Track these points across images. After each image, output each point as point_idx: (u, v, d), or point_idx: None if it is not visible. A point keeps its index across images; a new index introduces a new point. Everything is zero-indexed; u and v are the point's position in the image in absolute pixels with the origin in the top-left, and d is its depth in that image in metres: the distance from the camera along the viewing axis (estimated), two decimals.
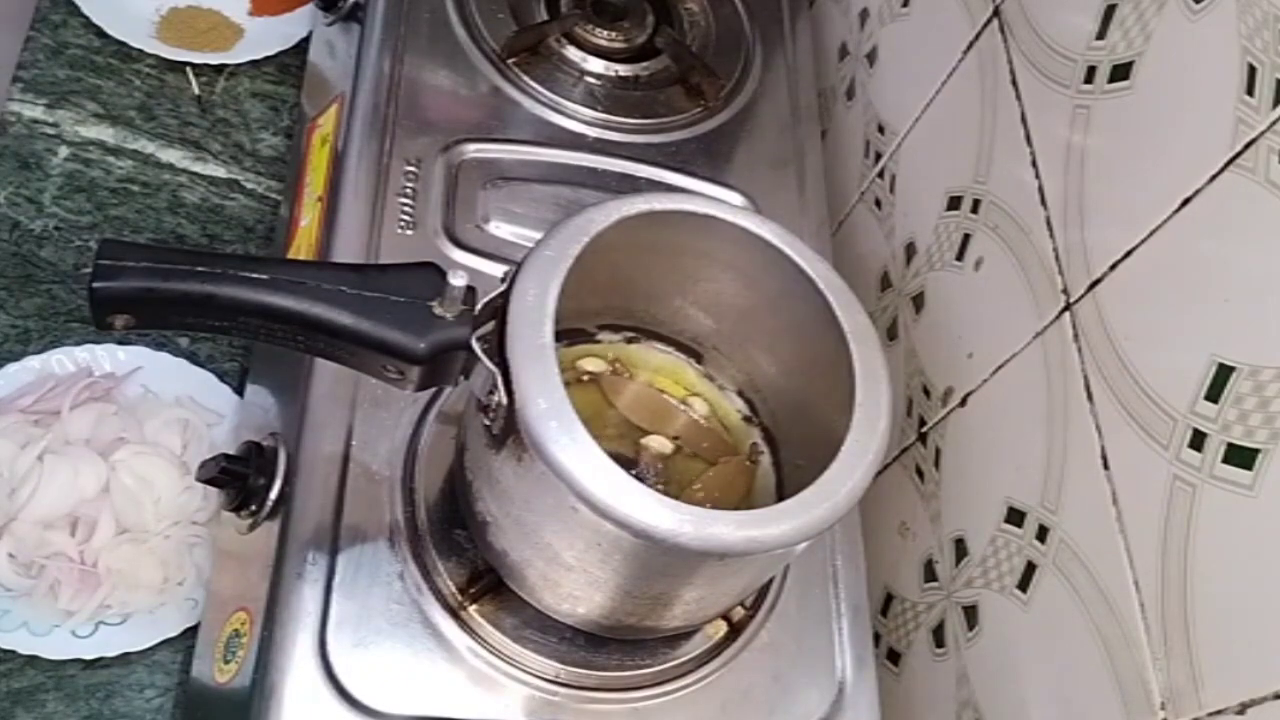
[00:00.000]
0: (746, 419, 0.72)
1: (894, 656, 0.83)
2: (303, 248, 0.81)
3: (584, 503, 0.53)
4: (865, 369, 0.60)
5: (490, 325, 0.57)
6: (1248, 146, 0.55)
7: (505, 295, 0.57)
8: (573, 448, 0.53)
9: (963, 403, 0.78)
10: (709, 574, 0.60)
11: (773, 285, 0.65)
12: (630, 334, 0.72)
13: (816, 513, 0.56)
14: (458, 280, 0.57)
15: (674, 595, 0.61)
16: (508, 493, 0.59)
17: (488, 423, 0.57)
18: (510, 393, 0.54)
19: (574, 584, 0.61)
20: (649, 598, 0.61)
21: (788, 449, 0.70)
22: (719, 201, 0.67)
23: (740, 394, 0.72)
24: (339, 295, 0.56)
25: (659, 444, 0.68)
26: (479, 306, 0.58)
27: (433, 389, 0.66)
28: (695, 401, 0.72)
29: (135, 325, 0.57)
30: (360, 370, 0.59)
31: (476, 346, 0.56)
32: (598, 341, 0.71)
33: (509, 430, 0.55)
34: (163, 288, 0.55)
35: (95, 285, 0.54)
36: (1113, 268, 0.65)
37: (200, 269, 0.55)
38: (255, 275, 0.56)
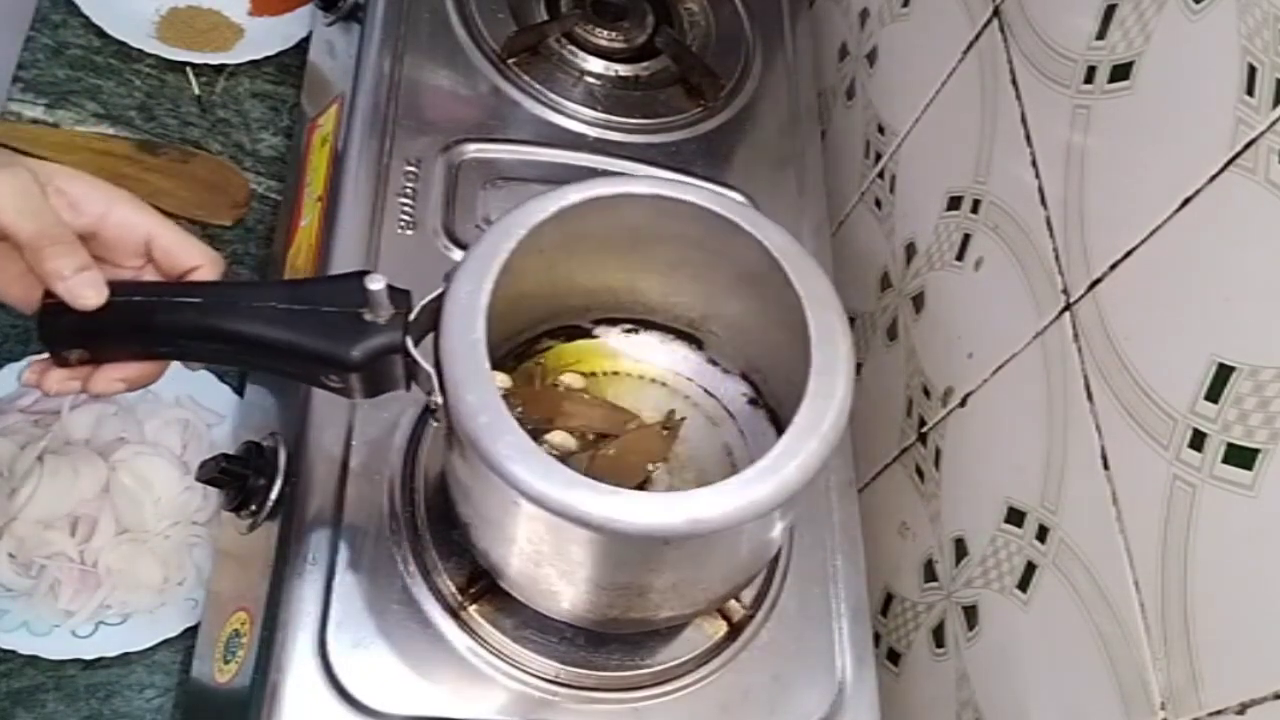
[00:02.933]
0: (751, 402, 0.71)
1: (894, 656, 0.83)
2: (303, 248, 0.81)
3: (520, 495, 0.53)
4: (820, 333, 0.58)
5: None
6: (1248, 146, 0.55)
7: (440, 295, 0.57)
8: (503, 440, 0.53)
9: (963, 403, 0.78)
10: (667, 560, 0.58)
11: (738, 259, 0.63)
12: (629, 326, 0.71)
13: (762, 489, 0.54)
14: (375, 285, 0.56)
15: (644, 584, 0.60)
16: (468, 492, 0.60)
17: (437, 423, 0.58)
18: (444, 390, 0.54)
19: (548, 578, 0.60)
20: (619, 587, 0.60)
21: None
22: (667, 180, 0.65)
23: (744, 377, 0.71)
24: (270, 311, 0.57)
25: (562, 439, 0.67)
26: (417, 309, 0.57)
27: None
28: (569, 377, 0.69)
29: (89, 360, 0.58)
30: (306, 382, 0.60)
31: (411, 348, 0.56)
32: (595, 336, 0.71)
33: (451, 428, 0.56)
34: (102, 319, 0.56)
35: (40, 326, 0.57)
36: (1113, 268, 0.64)
37: (136, 298, 0.57)
38: (188, 300, 0.57)
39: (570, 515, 0.53)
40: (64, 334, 0.57)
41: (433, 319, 0.57)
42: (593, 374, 0.70)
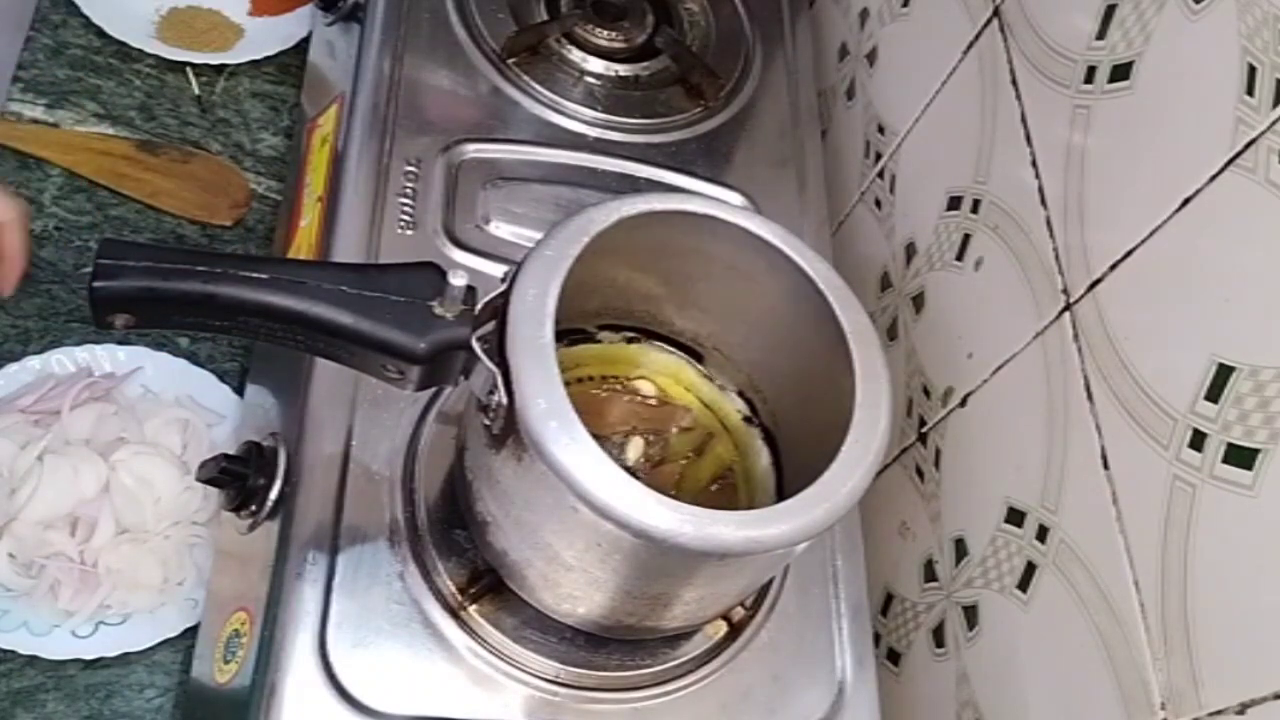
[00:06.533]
0: (746, 419, 0.72)
1: (894, 656, 0.83)
2: (303, 248, 0.81)
3: (584, 502, 0.53)
4: (865, 369, 0.60)
5: (490, 325, 0.57)
6: (1248, 146, 0.55)
7: (505, 295, 0.57)
8: (573, 447, 0.53)
9: (963, 403, 0.78)
10: (709, 574, 0.60)
11: (773, 285, 0.65)
12: (630, 334, 0.72)
13: (816, 513, 0.56)
14: (458, 280, 0.57)
15: (674, 595, 0.61)
16: (508, 493, 0.59)
17: (488, 423, 0.57)
18: (510, 392, 0.54)
19: (574, 584, 0.61)
20: (649, 598, 0.61)
21: (788, 449, 0.70)
22: (719, 201, 0.67)
23: (740, 394, 0.72)
24: (339, 295, 0.56)
25: (634, 448, 0.69)
26: (479, 306, 0.58)
27: (433, 389, 0.66)
28: (641, 384, 0.72)
29: (135, 325, 0.57)
30: (360, 370, 0.59)
31: (477, 346, 0.56)
32: (598, 341, 0.71)
33: (509, 430, 0.55)
34: (163, 287, 0.55)
35: (95, 285, 0.54)
36: (1113, 268, 0.65)
37: (200, 268, 0.55)
38: (255, 275, 0.56)
39: (631, 527, 0.53)
40: (118, 299, 0.55)
41: (491, 316, 0.57)
42: (591, 379, 0.71)
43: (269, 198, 1.02)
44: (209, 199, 0.99)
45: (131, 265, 0.55)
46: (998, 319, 0.75)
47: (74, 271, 0.93)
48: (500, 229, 0.81)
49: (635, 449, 0.68)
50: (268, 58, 1.07)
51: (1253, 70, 0.55)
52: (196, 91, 1.05)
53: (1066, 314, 0.68)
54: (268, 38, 1.08)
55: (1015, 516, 0.71)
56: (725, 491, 0.70)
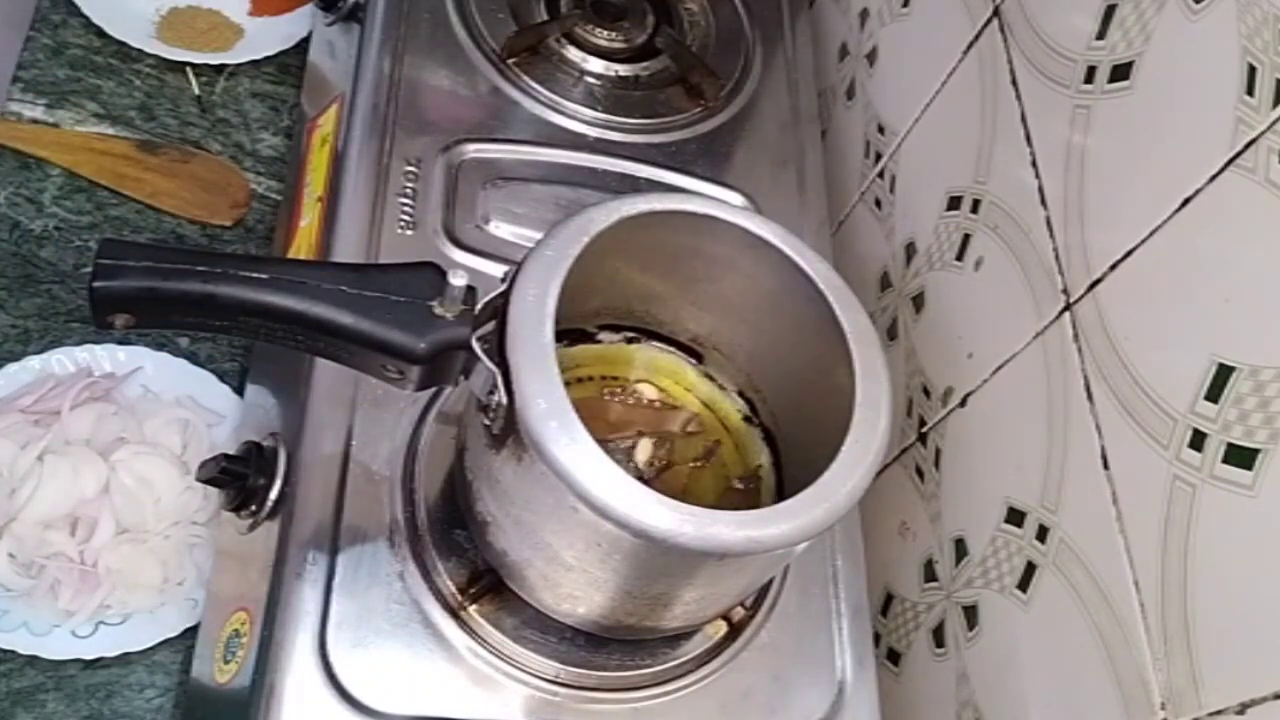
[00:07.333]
0: (746, 419, 0.72)
1: (894, 656, 0.83)
2: (303, 248, 0.81)
3: (584, 502, 0.53)
4: (865, 369, 0.60)
5: (490, 325, 0.57)
6: (1248, 146, 0.55)
7: (505, 295, 0.57)
8: (573, 447, 0.53)
9: (963, 403, 0.78)
10: (709, 574, 0.60)
11: (773, 285, 0.65)
12: (630, 334, 0.72)
13: (816, 513, 0.56)
14: (458, 280, 0.57)
15: (674, 595, 0.61)
16: (508, 493, 0.59)
17: (488, 423, 0.57)
18: (510, 393, 0.54)
19: (574, 584, 0.61)
20: (649, 598, 0.61)
21: (788, 449, 0.70)
22: (719, 201, 0.67)
23: (740, 394, 0.72)
24: (339, 295, 0.56)
25: (643, 450, 0.69)
26: (479, 306, 0.58)
27: (433, 389, 0.66)
28: (644, 388, 0.72)
29: (135, 325, 0.57)
30: (360, 370, 0.59)
31: (476, 346, 0.56)
32: (598, 341, 0.71)
33: (509, 430, 0.55)
34: (163, 287, 0.55)
35: (95, 285, 0.54)
36: (1113, 268, 0.65)
37: (200, 268, 0.55)
38: (255, 275, 0.56)
39: (631, 527, 0.53)
40: (118, 299, 0.55)
41: (491, 316, 0.57)
42: (591, 379, 0.71)
43: (269, 198, 1.02)
44: (209, 199, 0.99)
45: (131, 265, 0.55)
46: (998, 319, 0.75)
47: (74, 271, 0.93)
48: (500, 229, 0.81)
49: (644, 451, 0.68)
50: (268, 58, 1.07)
51: (1253, 70, 0.55)
52: (196, 91, 1.05)
53: (1066, 314, 0.68)
54: (268, 38, 1.08)
55: (1015, 516, 0.71)
56: (748, 494, 0.70)
